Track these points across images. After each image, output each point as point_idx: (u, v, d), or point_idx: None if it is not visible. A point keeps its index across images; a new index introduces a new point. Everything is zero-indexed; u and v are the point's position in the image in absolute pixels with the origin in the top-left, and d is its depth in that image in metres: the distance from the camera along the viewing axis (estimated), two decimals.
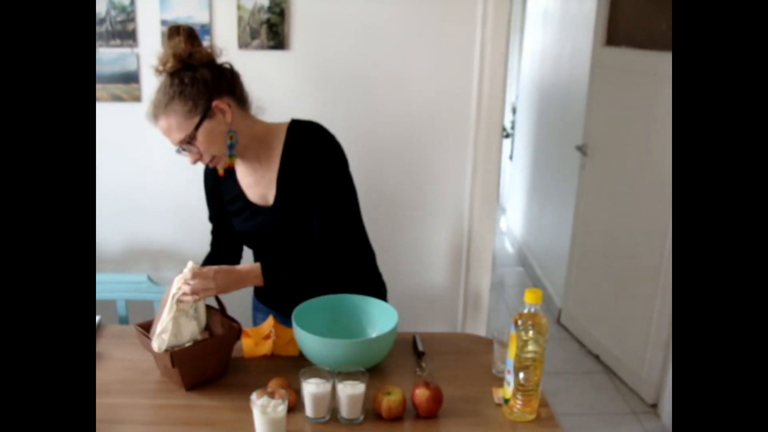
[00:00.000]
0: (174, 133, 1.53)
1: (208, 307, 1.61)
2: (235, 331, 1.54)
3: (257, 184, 1.68)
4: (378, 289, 1.85)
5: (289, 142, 1.64)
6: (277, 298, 1.79)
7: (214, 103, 1.53)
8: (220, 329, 1.59)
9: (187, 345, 1.50)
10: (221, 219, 1.79)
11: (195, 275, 1.50)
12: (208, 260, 1.78)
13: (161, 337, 1.47)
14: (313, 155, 1.62)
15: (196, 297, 1.50)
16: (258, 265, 1.58)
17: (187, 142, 1.54)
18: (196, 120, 1.52)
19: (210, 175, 1.77)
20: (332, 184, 1.64)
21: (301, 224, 1.64)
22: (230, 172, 1.71)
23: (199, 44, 1.55)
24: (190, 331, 1.52)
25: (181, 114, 1.51)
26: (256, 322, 1.87)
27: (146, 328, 1.52)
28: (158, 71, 1.53)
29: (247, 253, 1.85)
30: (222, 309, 1.61)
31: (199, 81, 1.52)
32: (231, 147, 1.59)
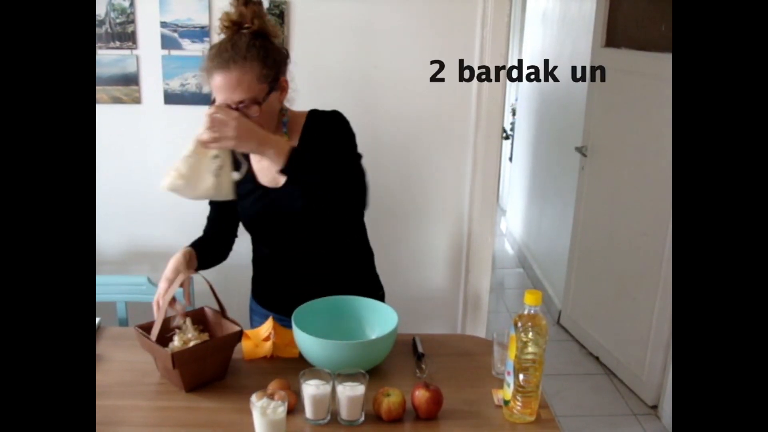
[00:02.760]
0: (240, 90, 1.49)
1: (212, 309, 1.61)
2: (236, 332, 1.54)
3: (272, 167, 1.67)
4: (376, 292, 1.85)
5: (308, 124, 1.67)
6: (276, 300, 1.79)
7: (282, 78, 1.57)
8: (220, 331, 1.59)
9: (192, 344, 1.49)
10: (222, 205, 1.77)
11: (219, 109, 1.44)
12: (199, 243, 1.75)
13: (169, 174, 1.41)
14: (331, 130, 1.65)
15: (214, 134, 1.41)
16: (289, 143, 1.53)
17: (247, 106, 1.51)
18: (266, 87, 1.53)
19: None
20: (348, 148, 1.67)
21: (308, 205, 1.64)
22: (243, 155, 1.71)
23: None
24: (205, 186, 1.46)
25: (256, 74, 1.50)
26: (253, 325, 1.87)
27: (146, 329, 1.52)
28: (228, 27, 1.53)
29: (245, 245, 1.85)
30: (222, 311, 1.61)
31: (276, 52, 1.56)
32: (285, 124, 1.63)
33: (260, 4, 1.56)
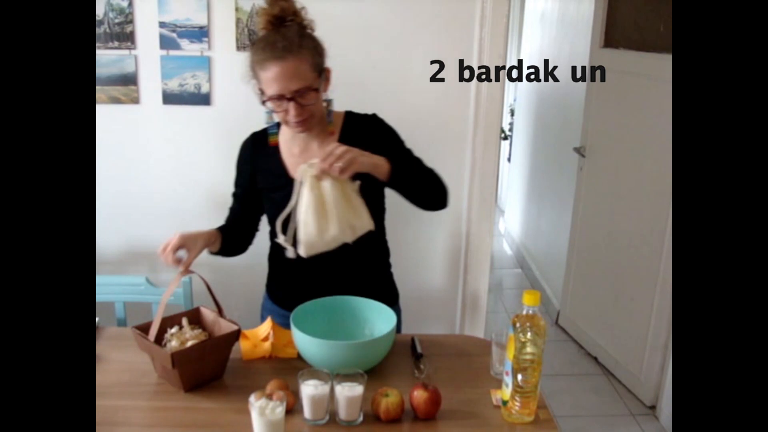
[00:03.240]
0: (297, 78, 1.52)
1: (209, 309, 1.60)
2: (234, 332, 1.54)
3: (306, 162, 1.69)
4: (391, 292, 1.86)
5: (347, 126, 1.70)
6: (295, 299, 1.72)
7: (327, 68, 1.62)
8: (217, 330, 1.59)
9: (190, 344, 1.49)
10: (247, 198, 1.79)
11: (328, 145, 1.47)
12: (224, 230, 1.75)
13: (327, 230, 1.41)
14: (376, 127, 1.72)
15: (348, 159, 1.44)
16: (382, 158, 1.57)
17: (303, 95, 1.54)
18: (317, 76, 1.56)
19: (249, 149, 1.77)
20: (404, 146, 1.74)
21: None
22: (271, 149, 1.73)
23: None
24: (333, 233, 1.46)
25: (309, 63, 1.54)
26: None
27: (144, 330, 1.51)
28: (271, 22, 1.55)
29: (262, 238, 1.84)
30: (219, 310, 1.61)
31: (321, 45, 1.60)
32: (329, 114, 1.66)
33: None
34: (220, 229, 1.73)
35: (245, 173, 1.78)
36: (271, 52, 1.51)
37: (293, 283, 1.78)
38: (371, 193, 1.63)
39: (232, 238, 1.75)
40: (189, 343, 1.50)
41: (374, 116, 1.74)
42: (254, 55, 1.56)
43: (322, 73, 1.59)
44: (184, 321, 1.59)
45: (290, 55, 1.50)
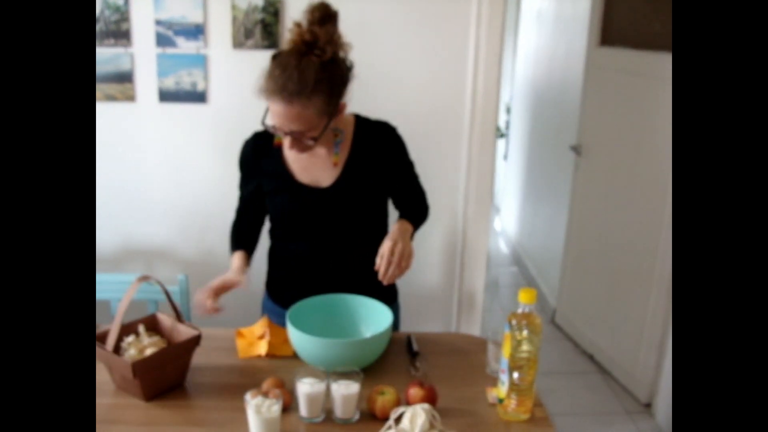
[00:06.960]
0: (299, 123, 1.46)
1: (166, 315, 1.58)
2: (195, 337, 1.49)
3: (313, 166, 1.66)
4: (392, 289, 1.86)
5: (360, 131, 1.67)
6: (292, 297, 1.71)
7: (341, 103, 1.53)
8: (176, 336, 1.54)
9: (149, 352, 1.44)
10: (253, 200, 1.77)
11: (391, 244, 1.56)
12: (243, 242, 1.78)
13: None
14: (391, 141, 1.71)
15: (407, 255, 1.58)
16: (401, 221, 1.68)
17: (299, 138, 1.49)
18: (325, 119, 1.50)
19: (251, 152, 1.72)
20: (411, 164, 1.78)
21: (355, 206, 1.68)
22: (275, 151, 1.68)
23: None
24: None
25: (317, 109, 1.46)
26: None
27: (100, 338, 1.45)
28: (299, 45, 1.45)
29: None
30: (178, 315, 1.55)
31: (341, 79, 1.51)
32: (337, 145, 1.63)
33: (335, 21, 1.49)
34: (240, 245, 1.76)
35: (251, 180, 1.74)
36: (280, 91, 1.43)
37: (293, 282, 1.77)
38: (377, 202, 1.72)
39: (252, 243, 1.79)
40: (148, 351, 1.45)
41: (387, 125, 1.71)
42: (267, 78, 1.46)
43: (334, 111, 1.52)
44: (141, 328, 1.53)
45: (298, 102, 1.42)
